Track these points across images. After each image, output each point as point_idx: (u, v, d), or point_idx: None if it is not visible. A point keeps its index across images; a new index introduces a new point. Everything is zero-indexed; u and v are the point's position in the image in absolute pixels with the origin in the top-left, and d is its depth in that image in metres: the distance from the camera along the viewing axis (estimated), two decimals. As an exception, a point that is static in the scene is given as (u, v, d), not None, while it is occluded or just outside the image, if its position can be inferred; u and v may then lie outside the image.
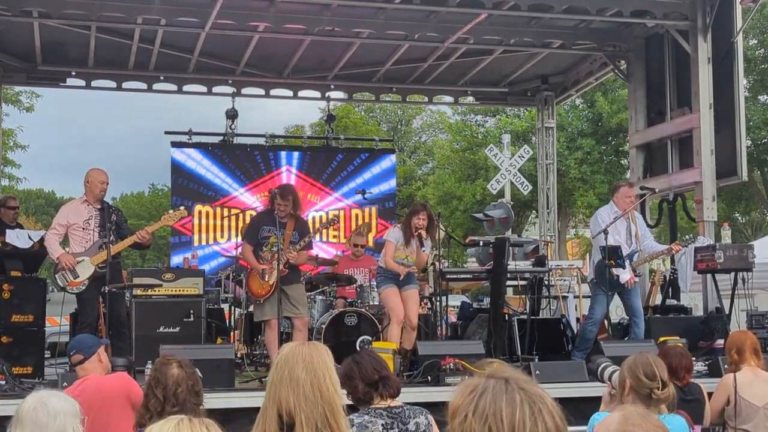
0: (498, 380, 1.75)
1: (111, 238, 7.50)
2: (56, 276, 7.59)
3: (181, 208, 8.40)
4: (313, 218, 13.24)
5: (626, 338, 8.91)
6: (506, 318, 9.19)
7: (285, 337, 8.48)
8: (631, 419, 2.22)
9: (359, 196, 13.15)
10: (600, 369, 4.13)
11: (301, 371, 2.63)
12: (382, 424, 3.69)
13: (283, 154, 13.73)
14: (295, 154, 13.70)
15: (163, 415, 3.52)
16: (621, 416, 2.26)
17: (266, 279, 7.70)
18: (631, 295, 8.31)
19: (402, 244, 7.84)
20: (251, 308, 8.58)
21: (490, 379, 1.77)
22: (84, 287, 7.52)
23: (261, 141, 13.82)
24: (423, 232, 7.74)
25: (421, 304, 9.26)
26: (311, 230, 8.37)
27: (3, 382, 6.67)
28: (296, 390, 2.61)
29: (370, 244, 12.30)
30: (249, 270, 8.07)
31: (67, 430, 2.84)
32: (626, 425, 2.20)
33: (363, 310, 8.67)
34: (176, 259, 12.56)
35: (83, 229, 7.65)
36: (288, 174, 13.36)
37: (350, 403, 3.82)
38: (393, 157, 14.18)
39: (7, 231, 8.54)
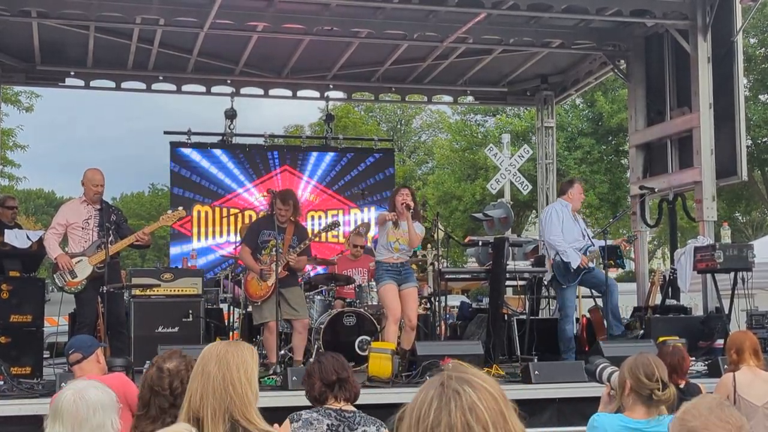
0: (437, 380, 1.74)
1: (110, 238, 7.49)
2: (55, 276, 7.59)
3: (180, 208, 8.39)
4: (312, 218, 13.24)
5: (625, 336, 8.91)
6: (505, 318, 9.17)
7: (284, 338, 8.49)
8: (692, 411, 2.10)
9: (358, 196, 13.14)
10: (598, 370, 4.11)
11: (213, 366, 2.73)
12: (328, 425, 3.71)
13: (282, 153, 13.72)
14: (294, 154, 13.69)
15: (140, 421, 3.51)
16: (700, 408, 2.12)
17: (265, 280, 7.72)
18: (594, 273, 8.46)
19: (392, 228, 7.84)
20: (250, 308, 8.58)
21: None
22: (82, 287, 7.51)
23: (260, 141, 13.82)
24: (410, 204, 7.75)
25: (420, 304, 9.25)
26: (310, 235, 8.41)
27: (2, 383, 6.67)
28: (205, 383, 2.71)
29: (369, 244, 12.30)
30: (246, 272, 8.09)
31: (106, 423, 2.75)
32: (686, 415, 2.11)
33: (362, 310, 8.66)
34: (174, 253, 12.61)
35: (82, 228, 7.64)
36: (287, 174, 13.35)
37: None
38: (392, 157, 14.16)
39: (6, 231, 8.53)
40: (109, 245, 7.44)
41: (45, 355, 8.45)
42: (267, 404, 6.03)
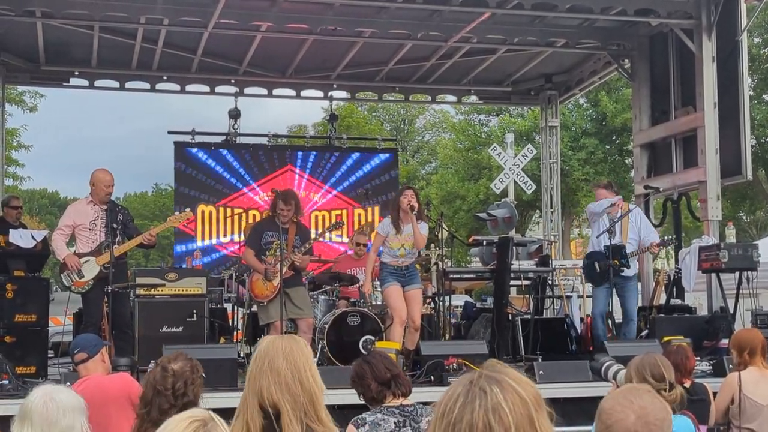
0: (469, 377, 1.73)
1: (118, 238, 7.50)
2: (61, 276, 7.60)
3: (187, 209, 8.42)
4: (316, 218, 13.24)
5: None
6: (510, 318, 9.16)
7: (288, 337, 8.47)
8: (609, 395, 2.20)
9: (362, 196, 13.14)
10: (603, 368, 4.11)
11: (282, 362, 2.63)
12: (395, 422, 3.71)
13: (286, 153, 13.72)
14: (298, 154, 13.69)
15: (142, 421, 3.51)
16: (615, 392, 2.24)
17: (270, 280, 7.73)
18: (627, 296, 8.52)
19: (395, 233, 7.81)
20: (254, 308, 8.59)
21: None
22: (89, 287, 7.52)
23: (264, 140, 13.81)
24: (415, 205, 7.71)
25: (424, 304, 9.24)
26: (315, 234, 8.41)
27: (6, 382, 6.66)
28: (278, 380, 2.61)
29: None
30: (251, 272, 8.10)
31: (76, 426, 2.73)
32: (612, 402, 2.17)
33: (366, 309, 8.65)
34: (178, 253, 12.63)
35: (89, 229, 7.66)
36: (291, 174, 13.35)
37: (353, 403, 3.83)
38: (396, 157, 14.16)
39: (11, 231, 8.54)
40: (117, 245, 7.45)
41: (49, 355, 8.45)
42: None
